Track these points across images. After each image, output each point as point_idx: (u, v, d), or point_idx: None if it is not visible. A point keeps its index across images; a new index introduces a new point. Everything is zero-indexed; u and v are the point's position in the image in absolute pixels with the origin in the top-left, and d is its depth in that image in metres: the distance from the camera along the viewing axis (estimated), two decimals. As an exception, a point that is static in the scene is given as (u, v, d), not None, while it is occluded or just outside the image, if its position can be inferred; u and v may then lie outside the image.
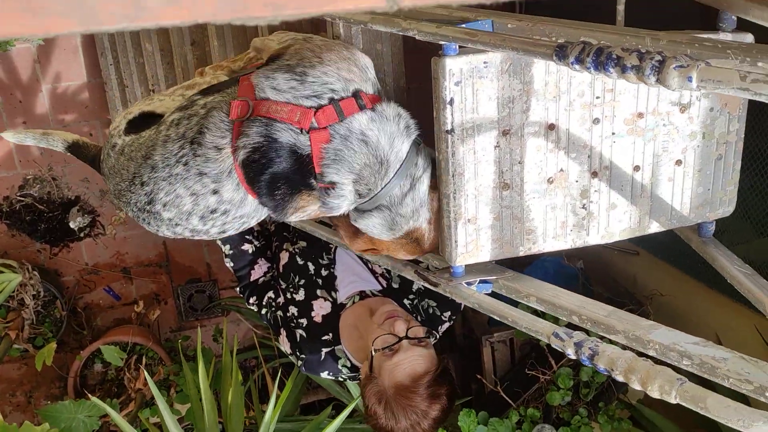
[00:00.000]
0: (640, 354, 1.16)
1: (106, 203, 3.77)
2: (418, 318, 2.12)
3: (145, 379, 3.18)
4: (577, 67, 1.03)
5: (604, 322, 1.25)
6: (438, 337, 2.14)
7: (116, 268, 3.89)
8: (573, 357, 1.21)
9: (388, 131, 1.39)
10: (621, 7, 1.50)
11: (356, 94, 1.39)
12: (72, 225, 3.67)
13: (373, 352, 1.78)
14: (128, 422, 3.07)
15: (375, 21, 1.41)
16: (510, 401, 2.63)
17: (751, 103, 1.49)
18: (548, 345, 2.63)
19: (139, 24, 0.49)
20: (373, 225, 1.48)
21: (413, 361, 1.74)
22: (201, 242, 3.97)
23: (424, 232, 1.49)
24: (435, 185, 1.47)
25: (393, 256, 1.58)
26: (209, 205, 1.50)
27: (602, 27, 1.13)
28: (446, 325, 2.20)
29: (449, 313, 2.18)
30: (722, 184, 1.54)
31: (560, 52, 1.05)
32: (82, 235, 3.73)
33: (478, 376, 2.82)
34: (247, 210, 1.52)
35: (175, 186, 1.49)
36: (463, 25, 1.29)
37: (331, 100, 1.37)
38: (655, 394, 1.07)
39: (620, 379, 1.12)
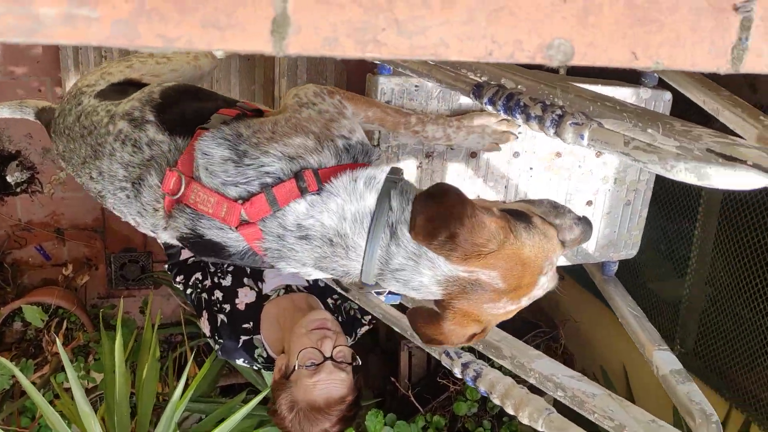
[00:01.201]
0: (520, 381, 1.24)
1: (48, 162, 3.71)
2: (339, 318, 2.16)
3: (63, 343, 3.16)
4: (489, 107, 1.09)
5: (495, 345, 1.32)
6: (356, 338, 2.19)
7: (50, 228, 3.84)
8: (459, 376, 1.28)
9: (335, 207, 1.21)
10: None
11: (298, 175, 1.22)
12: (9, 179, 3.60)
13: (296, 366, 1.78)
14: (40, 385, 3.05)
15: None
16: (419, 407, 2.70)
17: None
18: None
19: (35, 39, 0.53)
20: (393, 298, 1.30)
21: (332, 384, 1.74)
22: (140, 213, 3.94)
23: (474, 278, 1.17)
24: None
25: (496, 318, 1.24)
26: (148, 232, 1.47)
27: (523, 72, 1.19)
28: (365, 329, 2.24)
29: (369, 317, 2.23)
30: (628, 228, 1.63)
31: (477, 91, 1.11)
32: (18, 190, 3.66)
33: (393, 379, 2.89)
34: None
35: (120, 206, 1.45)
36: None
37: (263, 187, 1.22)
38: (525, 420, 1.15)
39: (497, 402, 1.20)
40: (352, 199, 1.20)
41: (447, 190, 1.13)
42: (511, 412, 1.18)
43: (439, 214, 1.12)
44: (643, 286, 2.86)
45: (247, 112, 1.35)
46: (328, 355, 1.74)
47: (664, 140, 0.95)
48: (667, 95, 1.48)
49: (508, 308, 1.18)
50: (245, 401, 2.69)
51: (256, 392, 2.86)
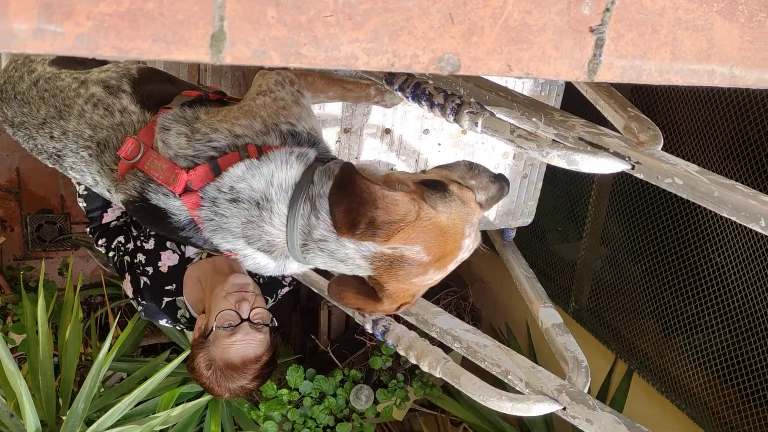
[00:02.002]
0: (424, 335, 1.41)
1: (-42, 120, 3.61)
2: (260, 280, 2.26)
3: (-20, 305, 3.14)
4: (399, 94, 1.23)
5: (403, 304, 1.48)
6: (277, 299, 2.30)
7: (-39, 189, 3.75)
8: (370, 331, 1.43)
9: (267, 172, 1.27)
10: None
11: (241, 147, 1.30)
12: None
13: (214, 327, 1.85)
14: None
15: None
16: (337, 362, 2.87)
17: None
18: (377, 315, 2.86)
19: (8, 50, 0.62)
20: (321, 264, 1.30)
21: (248, 344, 1.83)
22: (57, 173, 3.89)
23: (398, 253, 1.21)
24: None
25: (420, 287, 1.29)
26: (104, 192, 1.55)
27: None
28: (286, 290, 2.35)
29: (290, 279, 2.34)
30: (525, 199, 1.82)
31: (389, 78, 1.25)
32: (-74, 150, 3.56)
33: (312, 337, 3.04)
34: None
35: (80, 164, 1.52)
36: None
37: (210, 159, 1.31)
38: (425, 368, 1.32)
39: (402, 353, 1.36)
40: (282, 168, 1.27)
41: (351, 177, 1.16)
42: (413, 361, 1.34)
43: (353, 203, 1.15)
44: (546, 249, 3.11)
45: (209, 95, 1.45)
46: (245, 317, 1.83)
47: (546, 128, 1.12)
48: (562, 81, 1.66)
49: (436, 277, 1.24)
50: (168, 360, 2.78)
51: (179, 352, 2.94)
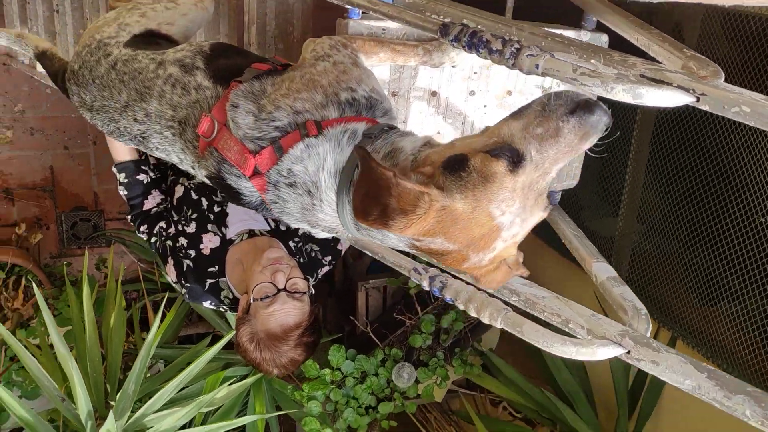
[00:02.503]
0: (480, 290, 1.41)
1: (-8, 121, 3.68)
2: (301, 260, 2.28)
3: (24, 299, 3.19)
4: (455, 44, 1.24)
5: (457, 262, 1.49)
6: (318, 278, 2.31)
7: (-3, 188, 3.82)
8: (427, 288, 1.44)
9: (322, 152, 1.27)
10: (510, 5, 1.74)
11: (300, 125, 1.31)
12: (-47, 140, 3.56)
13: (251, 300, 1.88)
14: (1, 342, 3.09)
15: (289, -22, 1.56)
16: (377, 341, 2.88)
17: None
18: (416, 293, 2.89)
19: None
20: (389, 242, 1.26)
21: (287, 313, 1.85)
22: (89, 170, 3.95)
23: (428, 246, 1.16)
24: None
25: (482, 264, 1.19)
26: (189, 170, 1.61)
27: (482, 14, 1.34)
28: (326, 269, 2.37)
29: (330, 257, 2.35)
30: (569, 161, 1.81)
31: (443, 30, 1.26)
32: (-38, 151, 3.63)
33: (351, 318, 3.06)
34: None
35: (165, 143, 1.58)
36: (368, -5, 1.47)
37: (273, 141, 1.33)
38: (485, 320, 1.32)
39: (461, 306, 1.37)
40: (335, 150, 1.25)
41: (368, 162, 1.10)
42: (474, 314, 1.35)
43: (372, 189, 1.09)
44: (582, 226, 3.09)
45: (278, 67, 1.46)
46: (281, 287, 1.85)
47: (605, 69, 1.12)
48: (604, 37, 1.66)
49: (488, 256, 1.15)
50: (209, 346, 2.81)
51: (219, 339, 2.98)
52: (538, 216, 1.15)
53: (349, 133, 1.27)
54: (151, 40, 1.69)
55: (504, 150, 1.08)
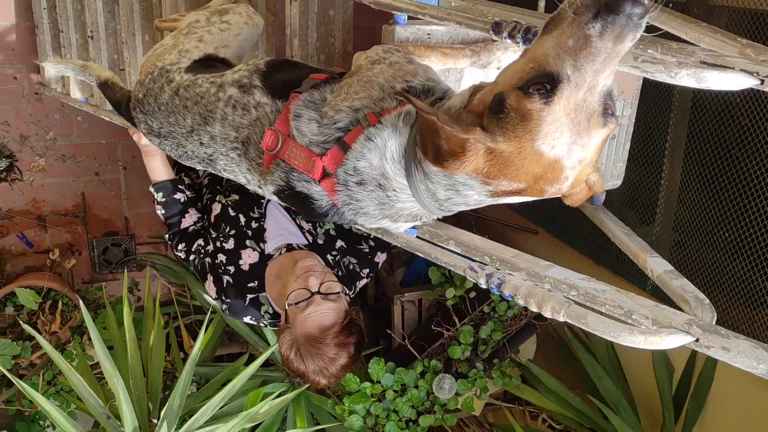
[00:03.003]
0: (538, 285, 1.41)
1: (26, 149, 3.74)
2: (339, 273, 2.29)
3: (60, 322, 3.22)
4: (508, 41, 1.26)
5: (511, 261, 1.49)
6: (357, 291, 2.32)
7: (31, 216, 3.86)
8: (484, 286, 1.44)
9: (381, 142, 1.31)
10: (542, 3, 1.76)
11: (362, 119, 1.36)
12: (-13, 168, 3.63)
13: (287, 306, 1.92)
14: (40, 365, 3.11)
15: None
16: (416, 354, 2.88)
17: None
18: (453, 305, 2.88)
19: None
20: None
21: (322, 314, 1.88)
22: (120, 195, 4.00)
23: (502, 189, 1.19)
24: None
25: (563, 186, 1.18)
26: (256, 190, 1.64)
27: (529, 12, 1.36)
28: (363, 281, 2.39)
29: (367, 270, 2.37)
30: (613, 160, 1.82)
31: (496, 28, 1.28)
32: (-3, 179, 3.69)
33: (388, 331, 3.06)
34: None
35: (231, 165, 1.62)
36: (416, 0, 1.50)
37: (338, 140, 1.37)
38: (547, 314, 1.32)
39: (521, 302, 1.37)
40: (393, 135, 1.28)
41: (420, 106, 1.14)
42: (535, 309, 1.35)
43: (423, 131, 1.17)
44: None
45: (335, 75, 1.50)
46: (314, 290, 1.89)
47: (664, 57, 1.14)
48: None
49: (566, 185, 1.15)
50: (247, 365, 2.82)
51: (255, 358, 2.99)
52: (599, 135, 1.09)
53: (404, 114, 1.28)
54: (209, 63, 1.74)
55: (536, 79, 1.03)
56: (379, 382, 2.76)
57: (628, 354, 2.93)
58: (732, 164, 2.34)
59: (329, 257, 2.32)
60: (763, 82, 1.05)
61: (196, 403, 2.67)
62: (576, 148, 1.09)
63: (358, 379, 2.74)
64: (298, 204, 1.49)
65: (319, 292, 1.90)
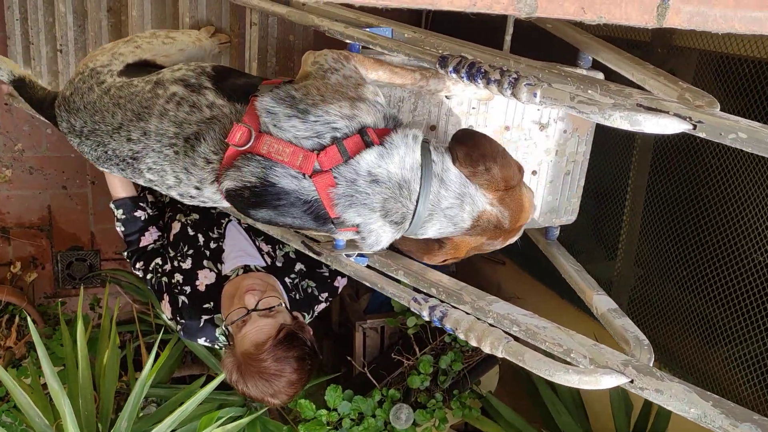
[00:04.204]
0: (479, 320, 1.40)
1: (-9, 160, 3.70)
2: (297, 296, 2.27)
3: (16, 338, 3.16)
4: (453, 75, 1.26)
5: (457, 294, 1.48)
6: (315, 315, 2.29)
7: (-6, 227, 3.81)
8: (427, 318, 1.43)
9: (397, 158, 1.39)
10: (508, 38, 1.77)
11: (362, 131, 1.39)
12: (-49, 178, 3.57)
13: (228, 328, 1.90)
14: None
15: (291, 15, 1.59)
16: (375, 382, 2.84)
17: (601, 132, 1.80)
18: (414, 334, 2.86)
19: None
20: (434, 231, 1.46)
21: (259, 329, 1.85)
22: (87, 210, 3.95)
23: (494, 213, 1.44)
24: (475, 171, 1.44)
25: (481, 251, 1.54)
26: (189, 192, 1.58)
27: (479, 47, 1.37)
28: (323, 306, 2.36)
29: (326, 294, 2.34)
30: (568, 196, 1.83)
31: (442, 62, 1.28)
32: (-39, 190, 3.64)
33: (348, 358, 3.02)
34: (225, 204, 1.57)
35: (163, 163, 1.56)
36: (367, 29, 1.50)
37: (335, 140, 1.38)
38: (486, 349, 1.31)
39: (461, 336, 1.36)
40: (408, 152, 1.39)
41: (479, 133, 1.44)
42: (474, 344, 1.34)
43: (476, 150, 1.39)
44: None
45: (286, 82, 1.50)
46: (251, 308, 1.87)
47: (603, 98, 1.14)
48: (600, 75, 1.69)
49: (496, 246, 1.48)
50: (204, 386, 2.77)
51: (213, 380, 2.94)
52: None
53: (412, 136, 1.41)
54: (142, 69, 1.70)
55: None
56: (335, 409, 2.72)
57: (589, 389, 2.92)
58: (692, 202, 2.36)
59: (287, 280, 2.30)
60: (695, 127, 1.05)
61: (149, 425, 2.61)
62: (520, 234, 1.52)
63: (314, 406, 2.70)
64: (266, 200, 1.44)
65: (255, 309, 1.88)
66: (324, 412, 2.70)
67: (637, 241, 2.68)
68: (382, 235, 1.45)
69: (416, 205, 1.40)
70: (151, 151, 1.55)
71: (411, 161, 1.39)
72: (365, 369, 2.87)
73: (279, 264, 2.32)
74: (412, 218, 1.42)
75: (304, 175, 1.38)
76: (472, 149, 1.40)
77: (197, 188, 1.54)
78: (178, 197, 1.62)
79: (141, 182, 1.66)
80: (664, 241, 2.52)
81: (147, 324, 3.68)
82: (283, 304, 1.95)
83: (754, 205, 2.12)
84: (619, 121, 1.06)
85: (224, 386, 3.05)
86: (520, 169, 1.45)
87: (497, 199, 1.41)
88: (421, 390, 2.87)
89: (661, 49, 2.43)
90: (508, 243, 1.49)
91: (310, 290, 2.32)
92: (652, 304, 2.64)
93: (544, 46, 1.85)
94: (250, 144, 1.41)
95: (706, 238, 2.32)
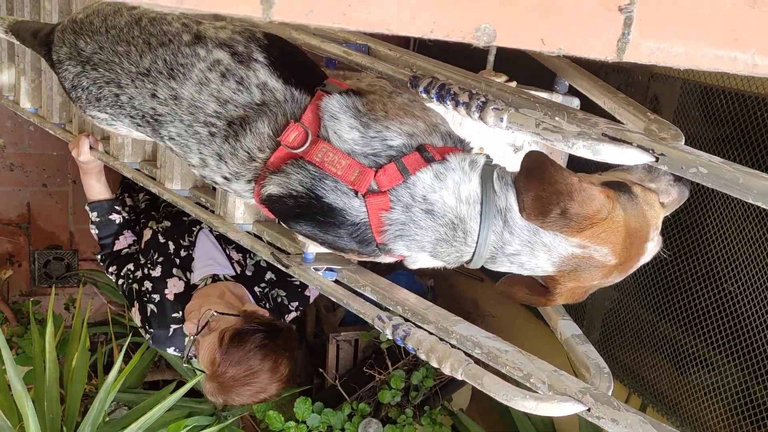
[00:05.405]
0: (442, 340, 1.40)
1: (-33, 154, 3.67)
2: (267, 305, 2.26)
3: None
4: (424, 95, 1.26)
5: (422, 313, 1.48)
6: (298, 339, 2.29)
7: (-30, 223, 3.78)
8: (390, 337, 1.43)
9: (452, 184, 1.21)
10: (491, 58, 1.78)
11: (420, 148, 1.24)
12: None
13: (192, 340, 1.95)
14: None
15: (270, 26, 1.58)
16: (345, 395, 2.83)
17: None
18: (387, 348, 2.86)
19: None
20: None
21: (206, 350, 1.90)
22: (67, 209, 3.92)
23: (588, 254, 1.21)
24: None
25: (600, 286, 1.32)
26: (214, 178, 1.38)
27: (454, 69, 1.37)
28: (293, 315, 2.35)
29: (297, 303, 2.33)
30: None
31: (414, 81, 1.29)
32: (-62, 184, 3.60)
33: (321, 370, 3.01)
34: (250, 201, 1.41)
35: (190, 140, 1.34)
36: (344, 45, 1.50)
37: (392, 158, 1.22)
38: (447, 371, 1.31)
39: (423, 357, 1.35)
40: (464, 179, 1.21)
41: (543, 163, 1.15)
42: (435, 365, 1.33)
43: (546, 191, 1.15)
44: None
45: (352, 91, 1.33)
46: (194, 334, 1.93)
47: (569, 126, 1.15)
48: (576, 101, 1.70)
49: (615, 280, 1.27)
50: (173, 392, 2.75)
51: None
52: (654, 253, 1.31)
53: (469, 161, 1.23)
54: None
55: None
56: (304, 422, 2.71)
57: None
58: (667, 227, 2.37)
59: (257, 289, 2.29)
60: (658, 159, 1.06)
61: (115, 430, 2.58)
62: (653, 252, 1.29)
63: (282, 418, 2.69)
64: (307, 216, 1.27)
65: (196, 334, 1.92)
66: (292, 424, 2.69)
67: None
68: (431, 264, 1.32)
69: (475, 249, 1.23)
70: (178, 121, 1.32)
71: (467, 191, 1.21)
72: (337, 382, 2.86)
73: (249, 273, 2.31)
74: (471, 259, 1.26)
75: (356, 193, 1.22)
76: (541, 187, 1.16)
77: (226, 179, 1.35)
78: (199, 177, 1.49)
79: (160, 143, 1.43)
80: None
81: (122, 326, 3.65)
82: (218, 313, 1.93)
83: (725, 235, 2.13)
84: (582, 150, 1.07)
85: (195, 393, 3.03)
86: (609, 197, 1.19)
87: (587, 239, 1.18)
88: (392, 405, 2.86)
89: (642, 76, 2.45)
90: (632, 270, 1.28)
91: (280, 299, 2.31)
92: (626, 327, 2.65)
93: (532, 68, 1.85)
94: (304, 148, 1.24)
95: (679, 264, 2.33)
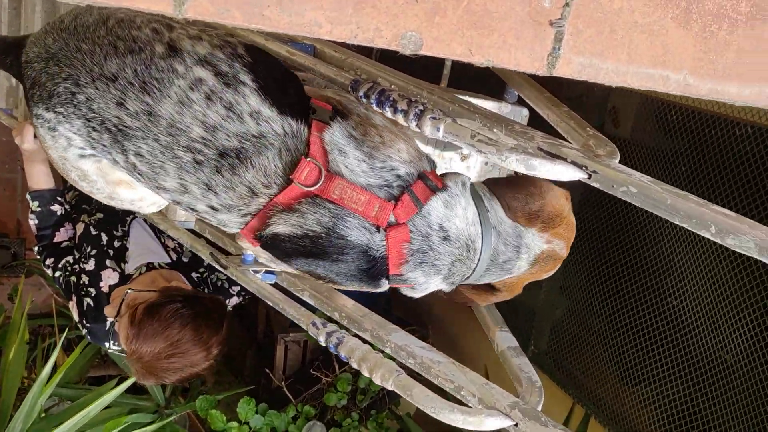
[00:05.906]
0: (375, 350, 1.38)
1: None
2: (206, 290, 2.21)
3: None
4: (364, 100, 1.24)
5: (358, 320, 1.45)
6: (227, 309, 2.23)
7: None
8: (323, 344, 1.40)
9: (461, 211, 1.25)
10: (446, 72, 1.77)
11: (422, 176, 1.23)
12: None
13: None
14: None
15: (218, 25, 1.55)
16: (291, 397, 2.80)
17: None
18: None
19: None
20: (487, 280, 1.36)
21: (121, 331, 1.85)
22: (15, 197, 3.82)
23: (551, 248, 1.34)
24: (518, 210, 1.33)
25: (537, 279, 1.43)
26: (194, 205, 1.26)
27: (398, 75, 1.35)
28: (235, 300, 2.29)
29: (238, 288, 2.27)
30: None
31: (354, 85, 1.26)
32: None
33: (267, 371, 2.97)
34: (233, 231, 1.33)
35: (168, 162, 1.21)
36: (289, 44, 1.47)
37: (404, 189, 1.20)
38: (377, 381, 1.29)
39: (355, 366, 1.33)
40: (468, 203, 1.27)
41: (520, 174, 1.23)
42: (366, 374, 1.31)
43: (523, 189, 1.30)
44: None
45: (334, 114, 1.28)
46: (113, 318, 1.90)
47: (506, 139, 1.13)
48: (525, 111, 1.69)
49: (551, 273, 1.39)
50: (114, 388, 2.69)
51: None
52: None
53: (460, 183, 1.29)
54: None
55: None
56: (247, 423, 2.67)
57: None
58: (617, 238, 2.39)
59: (194, 275, 2.23)
60: (590, 176, 1.05)
61: (50, 427, 2.51)
62: None
63: (225, 418, 2.65)
64: (322, 254, 1.22)
65: (116, 317, 1.88)
66: (235, 424, 2.65)
67: (563, 269, 2.70)
68: (438, 288, 1.34)
69: (477, 264, 1.28)
70: (152, 140, 1.19)
71: (472, 214, 1.26)
72: (283, 383, 2.82)
73: (185, 259, 2.26)
74: (470, 275, 1.30)
75: (378, 228, 1.19)
76: (519, 190, 1.29)
77: (212, 209, 1.25)
78: (168, 200, 1.31)
79: (116, 156, 1.26)
80: (588, 274, 2.55)
81: (67, 318, 3.57)
82: (133, 290, 1.91)
83: (671, 251, 2.15)
84: (515, 164, 1.05)
85: (137, 390, 2.97)
86: (567, 197, 1.35)
87: (553, 235, 1.32)
88: (338, 408, 2.84)
89: (602, 88, 2.47)
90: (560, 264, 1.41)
91: (220, 283, 2.26)
92: (574, 337, 2.67)
93: (478, 78, 1.85)
94: (318, 186, 1.17)
95: (628, 276, 2.35)
